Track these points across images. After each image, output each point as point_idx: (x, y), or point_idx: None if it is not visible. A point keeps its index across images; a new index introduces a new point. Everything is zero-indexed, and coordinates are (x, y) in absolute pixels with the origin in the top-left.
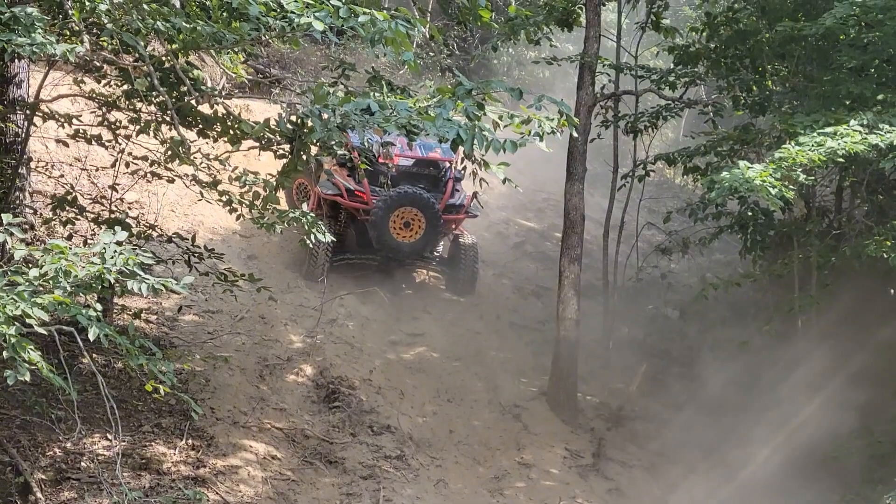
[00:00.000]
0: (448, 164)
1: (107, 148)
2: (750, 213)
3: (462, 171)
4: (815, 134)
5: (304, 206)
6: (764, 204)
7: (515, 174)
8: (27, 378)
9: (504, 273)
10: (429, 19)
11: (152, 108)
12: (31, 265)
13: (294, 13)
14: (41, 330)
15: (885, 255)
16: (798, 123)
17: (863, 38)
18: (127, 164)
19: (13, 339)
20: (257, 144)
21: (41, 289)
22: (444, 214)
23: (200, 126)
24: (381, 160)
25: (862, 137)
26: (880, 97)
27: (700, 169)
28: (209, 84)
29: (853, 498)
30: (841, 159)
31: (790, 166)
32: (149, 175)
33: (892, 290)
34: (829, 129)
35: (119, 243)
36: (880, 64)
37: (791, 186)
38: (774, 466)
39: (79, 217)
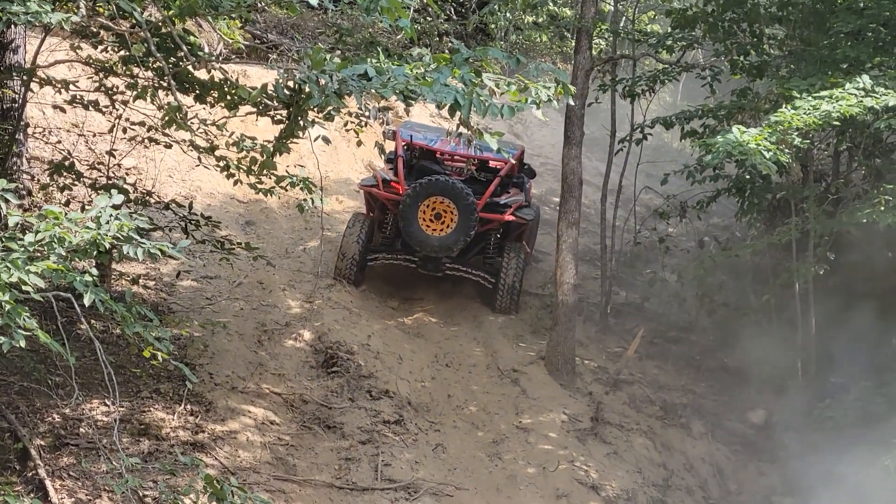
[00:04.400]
0: (502, 166)
1: (104, 114)
2: (748, 177)
3: (522, 177)
4: (811, 97)
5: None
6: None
7: (512, 138)
8: (22, 344)
9: None
10: None
11: (149, 73)
12: (27, 231)
13: None
14: (37, 296)
15: (877, 219)
16: (794, 87)
17: (859, 1)
18: (124, 130)
19: (8, 307)
20: (254, 110)
21: (37, 255)
22: (485, 212)
23: (197, 91)
24: (446, 162)
25: (858, 100)
26: (877, 60)
27: (697, 132)
28: (206, 50)
29: (850, 459)
30: (837, 122)
31: (786, 130)
32: (146, 141)
33: (890, 254)
34: (824, 93)
35: (116, 207)
36: (877, 28)
37: (787, 150)
38: (770, 432)
39: (76, 183)
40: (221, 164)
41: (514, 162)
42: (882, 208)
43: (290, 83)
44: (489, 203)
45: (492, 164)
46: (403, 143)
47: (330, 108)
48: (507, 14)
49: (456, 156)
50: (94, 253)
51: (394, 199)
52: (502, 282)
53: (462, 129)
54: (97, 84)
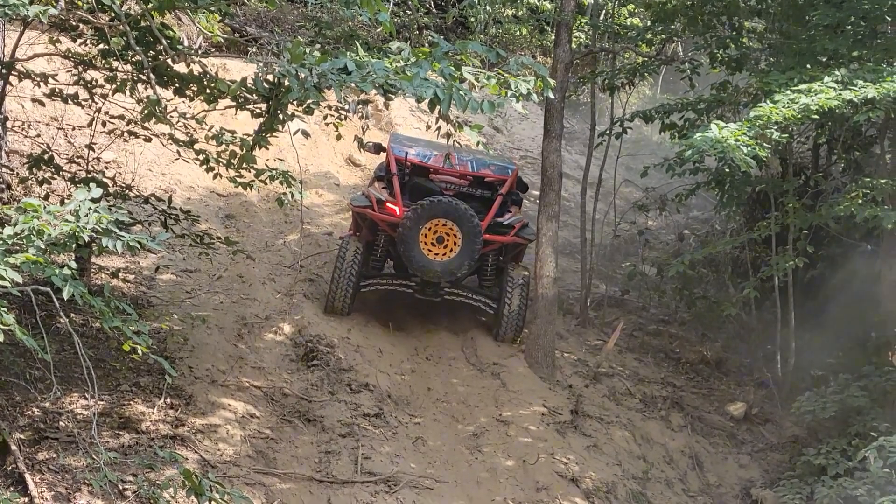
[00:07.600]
0: (501, 183)
1: (83, 107)
2: (727, 170)
3: (520, 195)
4: (789, 91)
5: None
6: None
7: (492, 132)
8: (0, 338)
9: None
10: None
11: (128, 67)
12: (5, 224)
13: None
14: (15, 291)
15: (854, 212)
16: (773, 81)
17: None
18: (104, 124)
19: None
20: (234, 104)
21: (16, 248)
22: (488, 234)
23: (177, 85)
24: (432, 177)
25: (836, 93)
26: (855, 54)
27: (677, 126)
28: (186, 43)
29: (829, 452)
30: (816, 116)
31: (765, 124)
32: (125, 134)
33: (869, 247)
34: (803, 86)
35: (95, 200)
36: (856, 21)
37: (766, 144)
38: (749, 425)
39: (55, 176)
40: (201, 157)
41: (513, 178)
42: (860, 201)
43: (270, 77)
44: (492, 224)
45: (487, 179)
46: (396, 160)
47: (309, 101)
48: (487, 7)
49: (453, 173)
50: (73, 246)
51: (391, 221)
52: (507, 312)
53: (442, 123)
54: (76, 77)
